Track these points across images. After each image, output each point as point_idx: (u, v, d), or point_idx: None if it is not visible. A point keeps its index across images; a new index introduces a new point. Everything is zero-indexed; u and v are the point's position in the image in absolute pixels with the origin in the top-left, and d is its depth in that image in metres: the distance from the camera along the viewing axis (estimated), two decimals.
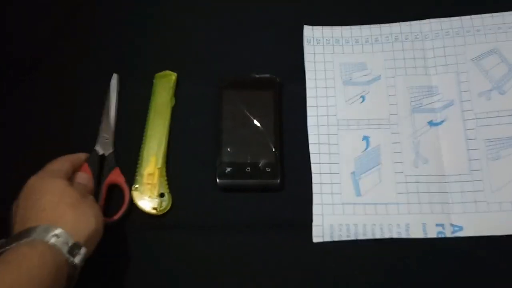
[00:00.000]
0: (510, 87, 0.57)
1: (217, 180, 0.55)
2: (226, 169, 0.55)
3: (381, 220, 0.54)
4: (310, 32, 0.63)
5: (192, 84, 0.62)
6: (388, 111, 0.58)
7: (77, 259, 0.44)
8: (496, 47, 0.59)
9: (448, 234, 0.52)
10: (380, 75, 0.60)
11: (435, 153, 0.56)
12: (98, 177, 0.56)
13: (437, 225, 0.53)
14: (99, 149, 0.57)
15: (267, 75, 0.59)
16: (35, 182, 0.49)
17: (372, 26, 0.63)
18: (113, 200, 0.56)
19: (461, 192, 0.54)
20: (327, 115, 0.58)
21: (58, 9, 0.67)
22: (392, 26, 0.62)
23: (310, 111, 0.58)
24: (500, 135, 0.55)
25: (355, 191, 0.55)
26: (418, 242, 0.52)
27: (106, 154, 0.57)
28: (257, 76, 0.60)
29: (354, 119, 0.58)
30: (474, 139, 0.55)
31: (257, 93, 0.60)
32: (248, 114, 0.58)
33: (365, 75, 0.60)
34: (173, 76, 0.61)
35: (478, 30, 0.60)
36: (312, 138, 0.57)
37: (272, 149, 0.56)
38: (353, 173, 0.56)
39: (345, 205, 0.54)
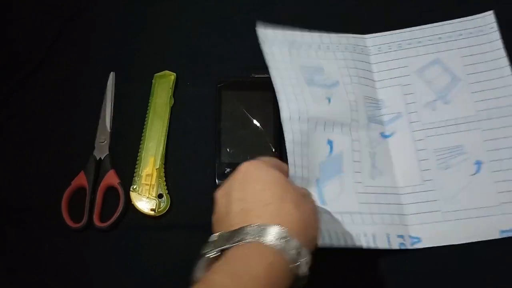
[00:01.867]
0: (454, 97, 0.58)
1: (216, 180, 0.55)
2: (225, 169, 0.55)
3: (348, 229, 0.52)
4: (264, 35, 0.57)
5: (191, 84, 0.62)
6: (350, 116, 0.56)
7: (304, 269, 0.38)
8: (437, 58, 0.60)
9: (408, 245, 0.52)
10: (337, 81, 0.58)
11: (388, 165, 0.56)
12: (95, 181, 0.55)
13: (398, 236, 0.52)
14: (96, 154, 0.57)
15: (266, 75, 0.56)
16: (252, 169, 0.42)
17: (323, 34, 0.60)
18: (111, 202, 0.55)
19: (416, 203, 0.54)
20: (299, 114, 0.53)
21: (57, 11, 0.65)
22: (340, 37, 0.61)
23: (283, 112, 0.52)
24: (448, 144, 0.56)
25: (319, 200, 0.53)
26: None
27: (102, 157, 0.57)
28: (256, 76, 0.59)
29: (321, 119, 0.54)
30: (424, 149, 0.56)
31: (256, 93, 0.59)
32: (247, 114, 0.58)
33: (325, 79, 0.58)
34: (172, 76, 0.61)
35: (419, 42, 0.61)
36: (289, 145, 0.52)
37: (272, 150, 0.56)
38: (317, 180, 0.53)
39: None
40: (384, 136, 0.57)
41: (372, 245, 0.51)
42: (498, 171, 0.55)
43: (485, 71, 0.59)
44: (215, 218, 0.42)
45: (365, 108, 0.57)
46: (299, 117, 0.53)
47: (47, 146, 0.59)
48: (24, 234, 0.54)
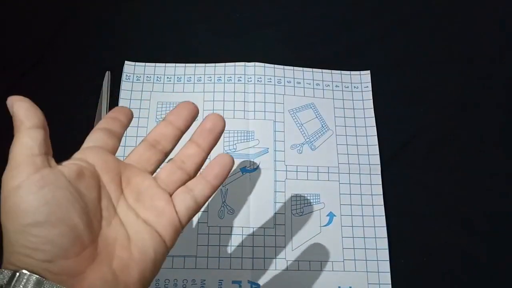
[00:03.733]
0: (320, 144, 0.57)
1: None
2: None
3: (177, 274, 0.50)
4: (131, 69, 0.59)
5: None
6: None
7: None
8: (312, 103, 0.59)
9: None
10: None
11: (243, 203, 0.53)
12: None
13: (233, 282, 0.50)
14: None
15: None
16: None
17: (197, 65, 0.60)
18: None
19: (264, 246, 0.52)
20: None
21: (53, 10, 0.64)
22: (216, 67, 0.60)
23: None
24: (306, 191, 0.55)
25: None
26: None
27: None
28: None
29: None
30: (282, 191, 0.54)
31: None
32: None
33: None
34: None
35: (298, 83, 0.60)
36: None
37: None
38: None
39: None
40: (245, 170, 0.55)
41: None
42: (347, 226, 0.54)
43: (353, 126, 0.59)
44: None
45: (223, 143, 0.56)
46: None
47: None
48: None
